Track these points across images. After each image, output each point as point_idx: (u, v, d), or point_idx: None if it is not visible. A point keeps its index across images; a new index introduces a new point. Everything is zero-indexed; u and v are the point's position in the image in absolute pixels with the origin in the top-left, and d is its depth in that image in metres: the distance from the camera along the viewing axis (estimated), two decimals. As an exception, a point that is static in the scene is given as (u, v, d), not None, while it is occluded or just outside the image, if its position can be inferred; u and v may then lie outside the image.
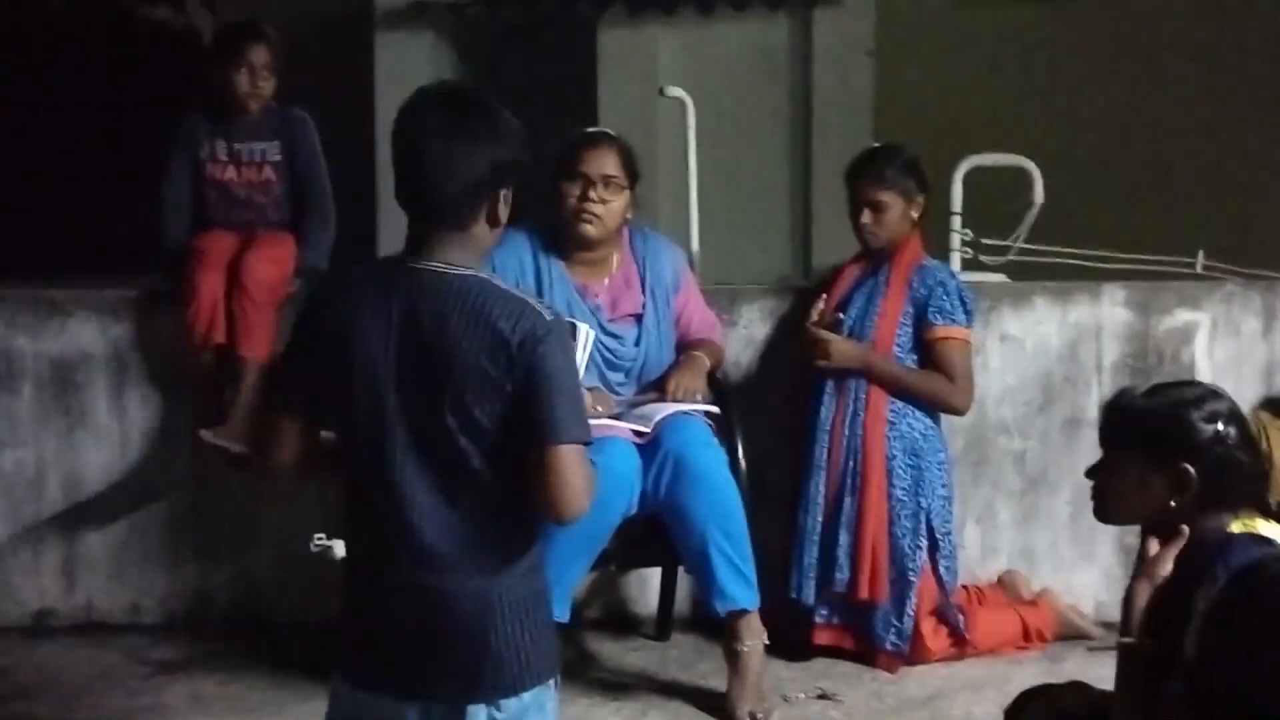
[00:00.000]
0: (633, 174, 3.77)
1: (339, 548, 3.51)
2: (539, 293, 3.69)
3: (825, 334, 3.93)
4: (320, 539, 3.52)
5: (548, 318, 2.29)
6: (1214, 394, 2.41)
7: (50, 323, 4.31)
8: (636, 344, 3.81)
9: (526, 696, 2.34)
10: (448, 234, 2.32)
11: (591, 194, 3.70)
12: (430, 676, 2.33)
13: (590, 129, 3.96)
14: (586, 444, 2.31)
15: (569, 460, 2.27)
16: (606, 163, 3.72)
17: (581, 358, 2.52)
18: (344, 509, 2.41)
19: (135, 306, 4.32)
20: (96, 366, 4.30)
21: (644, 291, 3.84)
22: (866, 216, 4.00)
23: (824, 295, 4.02)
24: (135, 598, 4.32)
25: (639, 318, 3.82)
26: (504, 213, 2.37)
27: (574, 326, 2.52)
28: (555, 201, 3.75)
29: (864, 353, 3.95)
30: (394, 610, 2.35)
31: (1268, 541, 2.28)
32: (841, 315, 3.98)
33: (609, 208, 3.72)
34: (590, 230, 3.72)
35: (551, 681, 2.40)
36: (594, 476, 2.34)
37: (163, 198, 4.32)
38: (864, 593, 3.85)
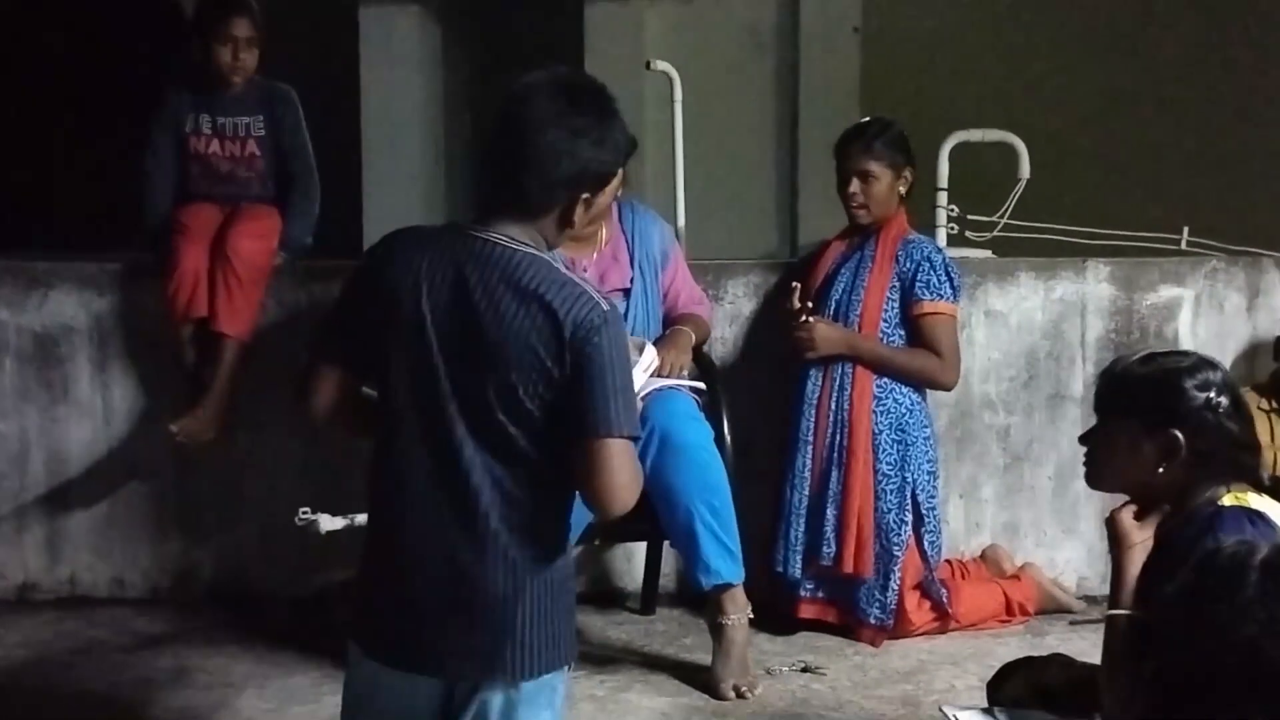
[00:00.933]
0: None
1: (324, 521, 3.52)
2: None
3: (808, 325, 3.91)
4: (305, 513, 3.52)
5: (604, 307, 2.23)
6: (1208, 363, 2.42)
7: (32, 295, 4.29)
8: (624, 318, 3.80)
9: (544, 680, 2.32)
10: (518, 215, 2.27)
11: None
12: (452, 652, 2.28)
13: None
14: (636, 439, 2.27)
15: (617, 454, 2.21)
16: None
17: (640, 379, 2.44)
18: (374, 469, 2.36)
19: (118, 279, 4.30)
20: (79, 339, 4.29)
21: (632, 265, 3.83)
22: (854, 187, 4.00)
23: (796, 285, 3.98)
24: (119, 572, 4.32)
25: (627, 292, 3.81)
26: (580, 217, 2.31)
27: (643, 346, 2.43)
28: None
29: (849, 337, 3.95)
30: (424, 580, 2.28)
31: (1259, 515, 2.29)
32: (809, 305, 3.96)
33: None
34: None
35: (567, 667, 2.37)
36: (640, 473, 2.29)
37: (145, 171, 4.30)
38: (849, 567, 3.87)
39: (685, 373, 3.76)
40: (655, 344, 3.80)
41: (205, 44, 4.23)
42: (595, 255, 3.81)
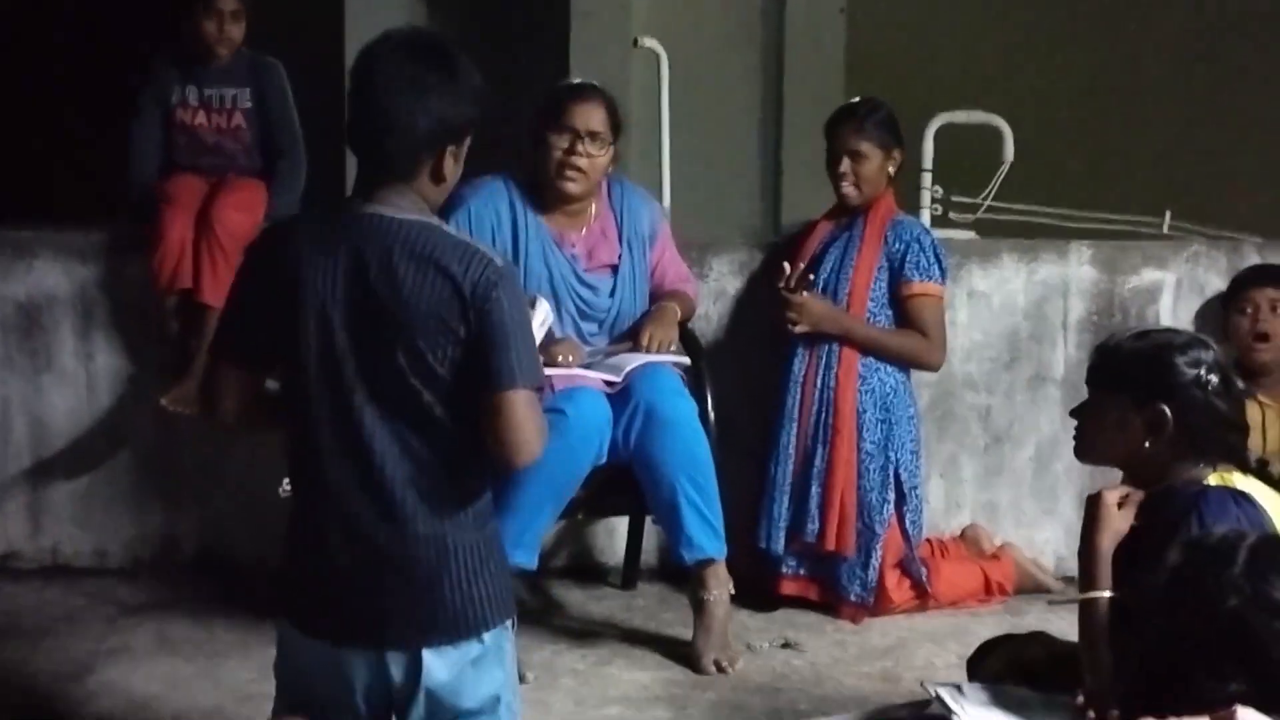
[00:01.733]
0: (617, 128, 3.74)
1: (307, 492, 3.52)
2: (515, 243, 3.68)
3: (797, 297, 3.93)
4: (288, 484, 3.51)
5: (499, 263, 2.29)
6: (1200, 342, 2.45)
7: (16, 265, 4.27)
8: (611, 295, 3.80)
9: (486, 639, 2.35)
10: (393, 183, 2.31)
11: (578, 148, 3.66)
12: (385, 623, 2.32)
13: (576, 80, 3.92)
14: (539, 390, 2.32)
15: (521, 405, 2.27)
16: (593, 117, 3.68)
17: (539, 334, 2.51)
18: (289, 457, 2.40)
19: (102, 250, 4.28)
20: (62, 309, 4.27)
21: (621, 242, 3.83)
22: (845, 166, 4.01)
23: (785, 263, 3.99)
24: (101, 541, 4.31)
25: (614, 269, 3.82)
26: (450, 170, 2.35)
27: (534, 300, 2.52)
28: (538, 152, 3.71)
29: (837, 315, 3.97)
30: (347, 557, 2.33)
31: (1244, 496, 2.32)
32: (811, 276, 3.98)
33: (594, 163, 3.68)
34: (573, 187, 3.70)
35: (508, 623, 2.40)
36: (545, 422, 2.35)
37: (131, 143, 4.29)
38: (832, 545, 3.89)
39: (671, 348, 3.77)
40: (641, 320, 3.82)
41: (191, 16, 4.22)
42: (584, 231, 3.82)
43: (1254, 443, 3.97)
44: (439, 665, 2.32)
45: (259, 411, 2.46)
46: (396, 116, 2.27)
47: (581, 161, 3.67)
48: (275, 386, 2.43)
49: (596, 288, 3.79)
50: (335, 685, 2.36)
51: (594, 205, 3.82)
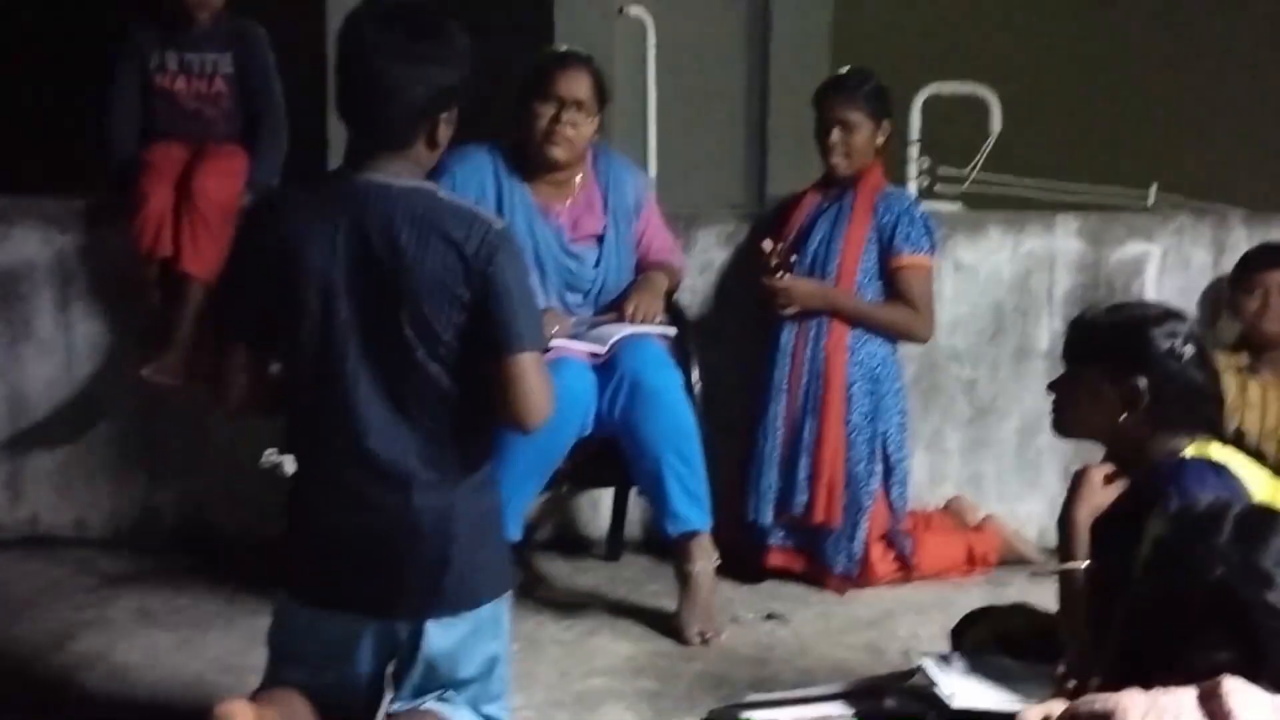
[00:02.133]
0: (603, 97, 3.73)
1: (289, 463, 3.48)
2: (499, 212, 3.65)
3: (784, 282, 3.91)
4: (271, 454, 3.48)
5: (498, 227, 2.29)
6: (1174, 314, 2.45)
7: (-6, 233, 4.24)
8: (596, 265, 3.78)
9: (485, 610, 2.36)
10: (388, 150, 2.31)
11: (564, 116, 3.64)
12: (388, 592, 2.33)
13: (562, 49, 3.89)
14: (545, 350, 2.32)
15: (530, 367, 2.28)
16: (579, 86, 3.66)
17: None
18: (289, 429, 2.39)
19: (81, 217, 4.24)
20: (41, 278, 4.23)
21: (605, 212, 3.80)
22: (835, 136, 3.99)
23: (766, 242, 3.96)
24: (81, 512, 4.29)
25: (600, 239, 3.79)
26: (444, 135, 2.36)
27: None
28: (523, 120, 3.69)
29: (825, 291, 3.95)
30: (350, 526, 2.34)
31: (1221, 467, 2.32)
32: (794, 255, 3.95)
33: (579, 131, 3.67)
34: (558, 153, 3.68)
35: (506, 595, 2.41)
36: (552, 383, 2.35)
37: (109, 109, 4.24)
38: (821, 516, 3.89)
39: (657, 319, 3.76)
40: (627, 291, 3.80)
41: None
42: (569, 202, 3.79)
43: (1252, 421, 4.00)
44: (439, 634, 2.33)
45: (264, 393, 2.44)
46: (393, 85, 2.26)
47: (567, 130, 3.65)
48: (277, 369, 2.41)
49: (582, 258, 3.77)
50: (336, 655, 2.36)
51: (579, 175, 3.80)
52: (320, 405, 2.33)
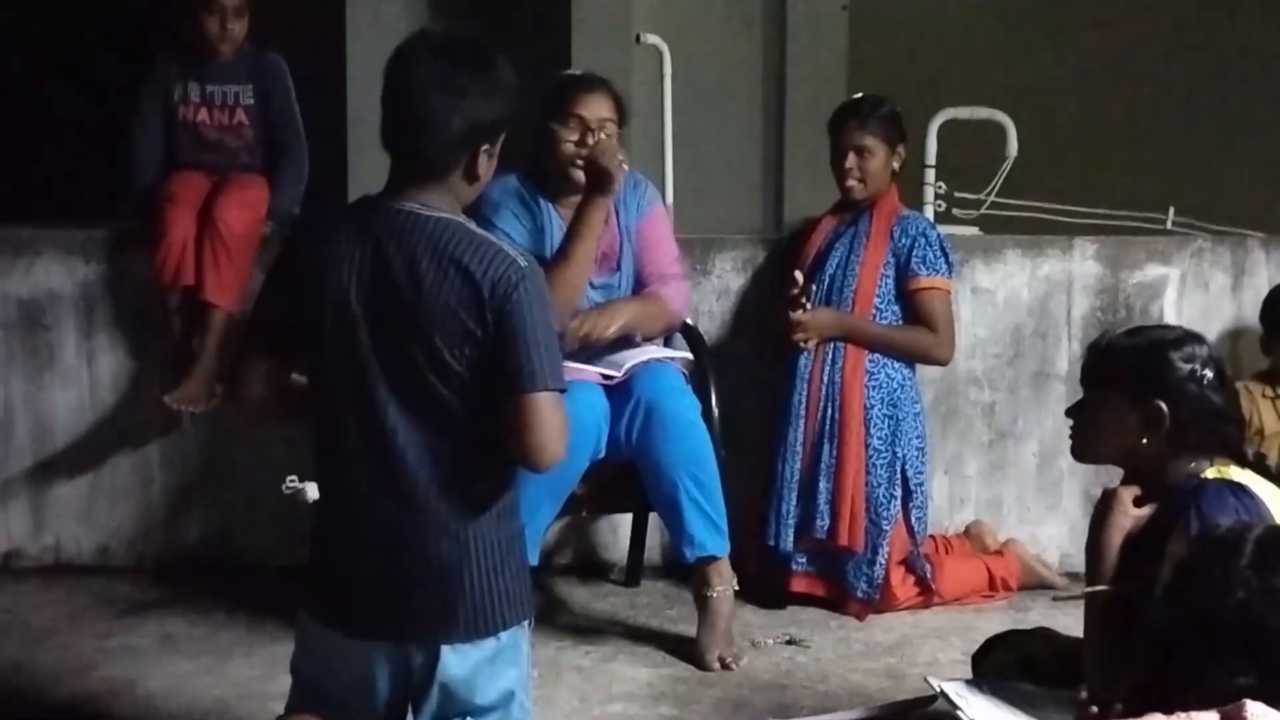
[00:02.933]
0: (623, 117, 3.72)
1: (311, 490, 3.49)
2: (541, 237, 3.63)
3: (802, 316, 3.91)
4: (293, 481, 3.49)
5: (521, 263, 2.29)
6: (1193, 337, 2.45)
7: (18, 262, 4.27)
8: (616, 289, 3.75)
9: (503, 637, 2.36)
10: (425, 180, 2.33)
11: (589, 139, 3.62)
12: (403, 616, 2.34)
13: (580, 71, 3.88)
14: (561, 391, 2.31)
15: (543, 407, 2.27)
16: (602, 106, 3.65)
17: None
18: (315, 448, 2.42)
19: (104, 247, 4.28)
20: (65, 307, 4.27)
21: (620, 232, 3.77)
22: (851, 161, 4.01)
23: (798, 273, 3.94)
24: (104, 539, 4.31)
25: (619, 262, 3.75)
26: (485, 168, 2.36)
27: None
28: (544, 143, 3.67)
29: (843, 320, 3.96)
30: (367, 549, 2.35)
31: (1241, 488, 2.31)
32: (811, 286, 3.95)
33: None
34: (584, 176, 3.64)
35: (526, 624, 2.41)
36: (567, 424, 2.34)
37: (133, 139, 4.29)
38: (844, 540, 3.88)
39: (606, 334, 3.59)
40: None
41: (194, 13, 4.22)
42: None
43: (1274, 446, 3.99)
44: (455, 661, 2.33)
45: (284, 402, 2.47)
46: (431, 115, 2.28)
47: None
48: (301, 379, 2.44)
49: (606, 287, 3.73)
50: (354, 679, 2.37)
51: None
52: (340, 425, 2.35)
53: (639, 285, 3.76)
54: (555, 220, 3.70)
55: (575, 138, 3.64)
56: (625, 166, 3.65)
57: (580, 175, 3.63)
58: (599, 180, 3.54)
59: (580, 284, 3.57)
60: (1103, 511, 2.45)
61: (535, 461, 2.31)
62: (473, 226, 2.34)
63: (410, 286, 2.27)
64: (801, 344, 3.95)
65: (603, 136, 3.62)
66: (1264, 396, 4.12)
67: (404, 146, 2.33)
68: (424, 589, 2.33)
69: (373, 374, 2.30)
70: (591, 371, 3.59)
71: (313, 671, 2.44)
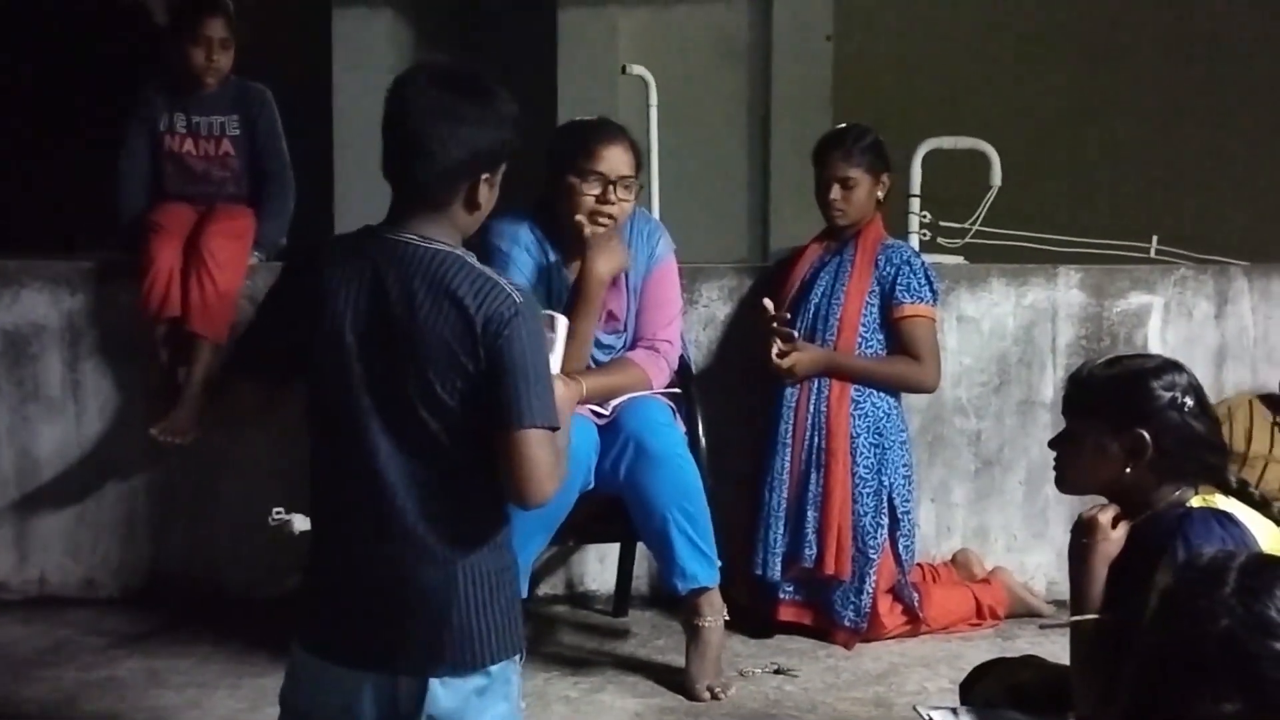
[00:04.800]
0: (640, 165, 3.68)
1: (298, 521, 3.51)
2: (549, 300, 3.56)
3: (786, 360, 3.91)
4: (279, 513, 3.51)
5: (517, 299, 2.27)
6: (1173, 365, 2.46)
7: (3, 294, 4.26)
8: (622, 348, 3.73)
9: (493, 671, 2.34)
10: (425, 210, 2.31)
11: (610, 196, 3.57)
12: (392, 648, 2.32)
13: (598, 119, 3.75)
14: (554, 429, 2.30)
15: (533, 444, 2.24)
16: (622, 162, 3.60)
17: (559, 350, 2.49)
18: (310, 478, 2.40)
19: (90, 278, 4.28)
20: (50, 338, 4.26)
21: (628, 290, 3.72)
22: (835, 193, 4.03)
23: (765, 300, 3.96)
24: (89, 571, 4.29)
25: (624, 323, 3.72)
26: (485, 198, 2.34)
27: (553, 319, 2.49)
28: (562, 195, 3.60)
29: (827, 358, 3.97)
30: (357, 579, 2.34)
31: (1227, 517, 2.32)
32: (787, 315, 3.96)
33: (623, 207, 3.61)
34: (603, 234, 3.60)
35: (516, 658, 2.40)
36: (562, 460, 2.33)
37: (119, 170, 4.30)
38: (831, 569, 3.88)
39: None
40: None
41: (180, 44, 4.23)
42: None
43: (1273, 472, 4.02)
44: (443, 694, 2.31)
45: (268, 409, 2.49)
46: (430, 145, 2.26)
47: (613, 209, 3.58)
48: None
49: (611, 347, 3.72)
50: (342, 709, 2.35)
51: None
52: (332, 455, 2.34)
53: (634, 342, 3.74)
54: (565, 280, 3.64)
55: (595, 193, 3.58)
56: (631, 254, 3.63)
57: (596, 232, 3.60)
58: (595, 262, 3.52)
59: (582, 360, 3.55)
60: (1086, 545, 2.44)
61: (523, 499, 2.29)
62: (471, 260, 2.32)
63: (405, 318, 2.26)
64: (786, 383, 3.96)
65: (609, 215, 3.55)
66: (1263, 419, 4.14)
67: (404, 176, 2.31)
68: (412, 621, 2.32)
69: (364, 405, 2.29)
70: (582, 407, 3.59)
71: (301, 702, 2.43)
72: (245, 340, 2.50)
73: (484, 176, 2.32)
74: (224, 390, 2.55)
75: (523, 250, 3.65)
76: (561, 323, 2.52)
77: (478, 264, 2.31)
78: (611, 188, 3.59)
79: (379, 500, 2.30)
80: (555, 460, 2.30)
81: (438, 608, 2.30)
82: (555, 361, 2.40)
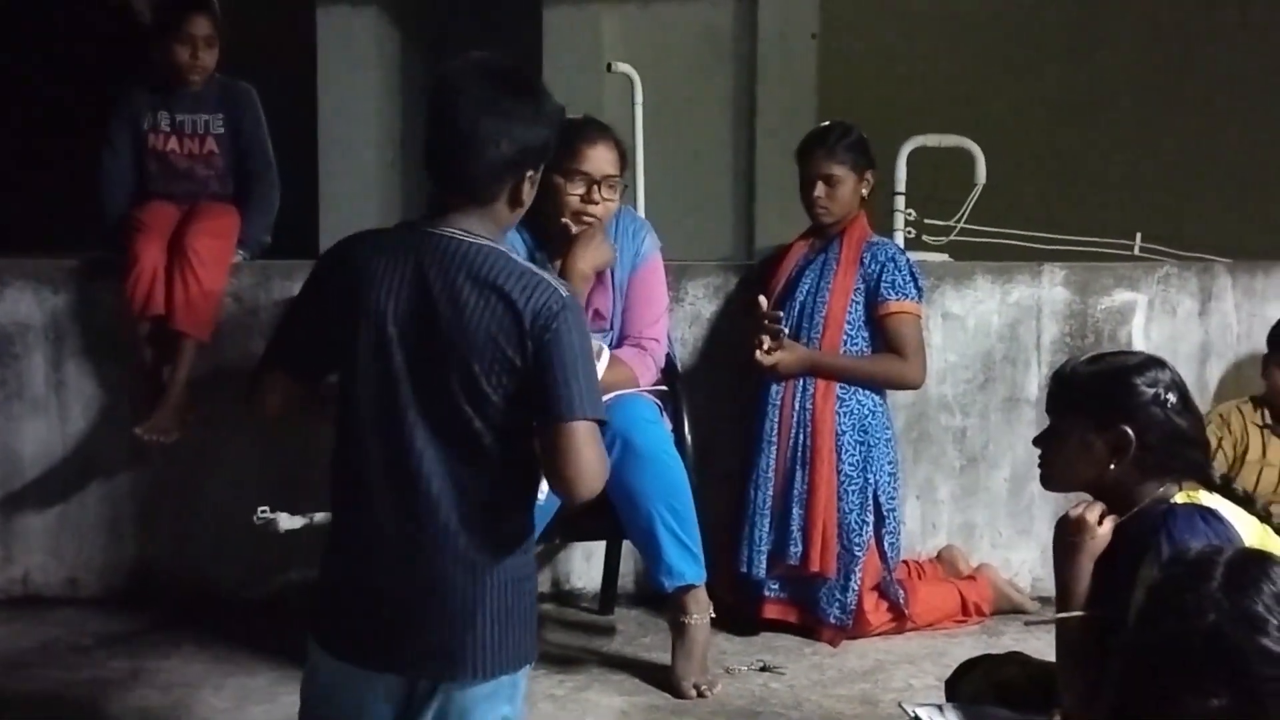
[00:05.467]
0: (624, 165, 3.68)
1: (283, 520, 3.50)
2: None
3: (771, 358, 3.92)
4: (264, 512, 3.50)
5: (563, 294, 2.25)
6: (1156, 362, 2.47)
7: (-13, 292, 4.25)
8: (609, 345, 3.70)
9: (504, 678, 2.32)
10: (468, 205, 2.29)
11: (595, 196, 3.58)
12: (413, 650, 2.28)
13: (582, 118, 3.75)
14: (602, 423, 2.27)
15: (582, 437, 2.23)
16: (607, 161, 3.61)
17: (603, 364, 2.48)
18: (332, 472, 2.36)
19: (74, 276, 4.26)
20: (34, 337, 4.24)
21: (613, 287, 3.72)
22: (819, 190, 4.03)
23: (760, 296, 3.98)
24: (73, 571, 4.28)
25: (610, 322, 3.72)
26: (529, 194, 2.34)
27: (601, 350, 2.47)
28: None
29: (810, 357, 3.97)
30: (382, 576, 2.28)
31: (1211, 513, 2.33)
32: (780, 314, 3.97)
33: (608, 207, 3.62)
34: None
35: (529, 665, 2.38)
36: (605, 456, 2.30)
37: (104, 168, 4.28)
38: (815, 566, 3.88)
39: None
40: None
41: (165, 42, 4.21)
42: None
43: (1270, 479, 4.04)
44: (456, 695, 2.29)
45: (299, 412, 2.43)
46: (480, 138, 2.25)
47: (597, 209, 3.60)
48: (333, 383, 2.40)
49: (599, 350, 3.73)
50: (357, 709, 2.33)
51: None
52: (365, 449, 2.29)
53: (620, 339, 3.74)
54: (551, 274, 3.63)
55: (579, 192, 3.59)
56: (615, 251, 3.65)
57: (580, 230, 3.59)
58: (577, 259, 3.53)
59: None
60: (1073, 542, 2.45)
61: (573, 492, 2.25)
62: (515, 255, 2.30)
63: (451, 313, 2.23)
64: (769, 379, 3.96)
65: (592, 214, 3.56)
66: (1254, 424, 4.15)
67: (449, 171, 2.29)
68: (438, 625, 2.27)
69: (404, 399, 2.25)
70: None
71: (316, 700, 2.40)
72: (279, 335, 2.46)
73: (529, 174, 2.31)
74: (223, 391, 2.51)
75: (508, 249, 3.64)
76: (605, 354, 2.48)
77: (520, 259, 2.29)
78: (596, 187, 3.59)
79: (411, 497, 2.25)
80: (603, 454, 2.28)
81: (465, 613, 2.26)
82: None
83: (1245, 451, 4.12)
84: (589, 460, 2.24)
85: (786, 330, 3.98)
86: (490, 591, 2.27)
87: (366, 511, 2.30)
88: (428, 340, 2.24)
